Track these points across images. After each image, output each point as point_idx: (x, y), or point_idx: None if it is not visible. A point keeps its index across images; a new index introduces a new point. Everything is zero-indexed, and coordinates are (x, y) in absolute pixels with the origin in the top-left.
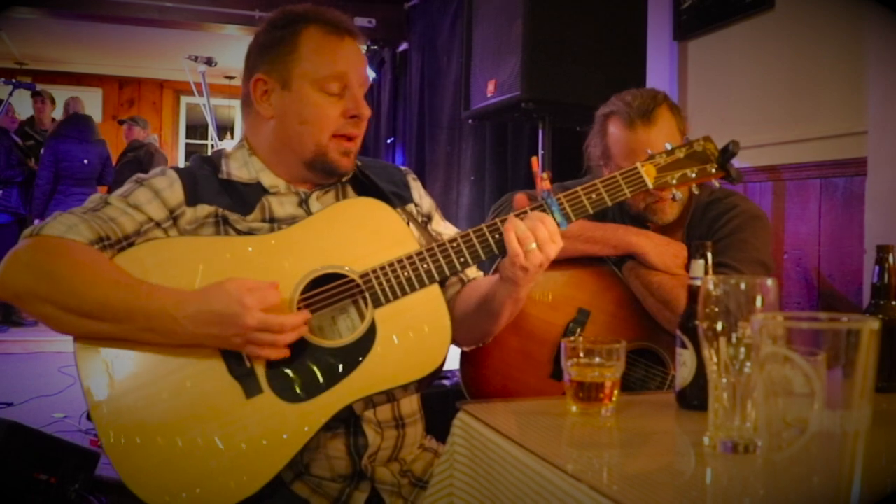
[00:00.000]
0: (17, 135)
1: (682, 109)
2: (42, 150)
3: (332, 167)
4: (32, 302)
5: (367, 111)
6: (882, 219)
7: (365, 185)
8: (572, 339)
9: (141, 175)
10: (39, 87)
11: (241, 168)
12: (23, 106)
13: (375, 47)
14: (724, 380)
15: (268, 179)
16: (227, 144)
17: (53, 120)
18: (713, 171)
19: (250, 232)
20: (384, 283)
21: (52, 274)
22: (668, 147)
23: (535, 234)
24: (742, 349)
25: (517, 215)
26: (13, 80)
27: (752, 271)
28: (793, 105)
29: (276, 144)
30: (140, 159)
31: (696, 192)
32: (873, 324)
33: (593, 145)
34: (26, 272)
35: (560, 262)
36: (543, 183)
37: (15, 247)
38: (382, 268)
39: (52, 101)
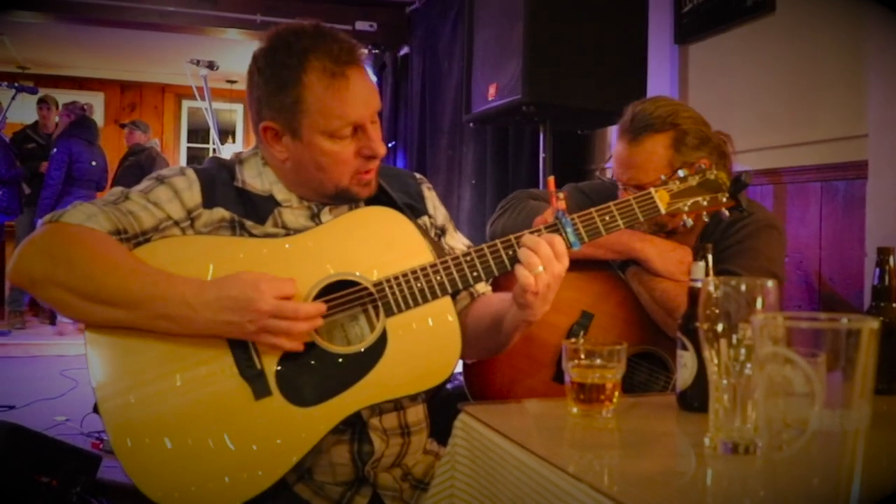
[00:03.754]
0: (19, 138)
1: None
2: (54, 151)
3: (354, 198)
4: (48, 287)
5: (381, 150)
6: (883, 222)
7: (378, 198)
8: (574, 340)
9: (161, 173)
10: (42, 91)
11: (255, 178)
12: (25, 109)
13: (377, 51)
14: (725, 381)
15: (280, 193)
16: (229, 148)
17: (56, 124)
18: (724, 200)
19: (266, 236)
20: (397, 292)
21: (70, 259)
22: (681, 174)
23: (540, 254)
24: (742, 350)
25: (531, 233)
26: (16, 84)
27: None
28: (793, 108)
29: (296, 180)
30: (141, 164)
31: (706, 220)
32: (873, 323)
33: None
34: (43, 257)
35: None
36: (559, 203)
37: (33, 233)
38: (396, 277)
39: (57, 107)
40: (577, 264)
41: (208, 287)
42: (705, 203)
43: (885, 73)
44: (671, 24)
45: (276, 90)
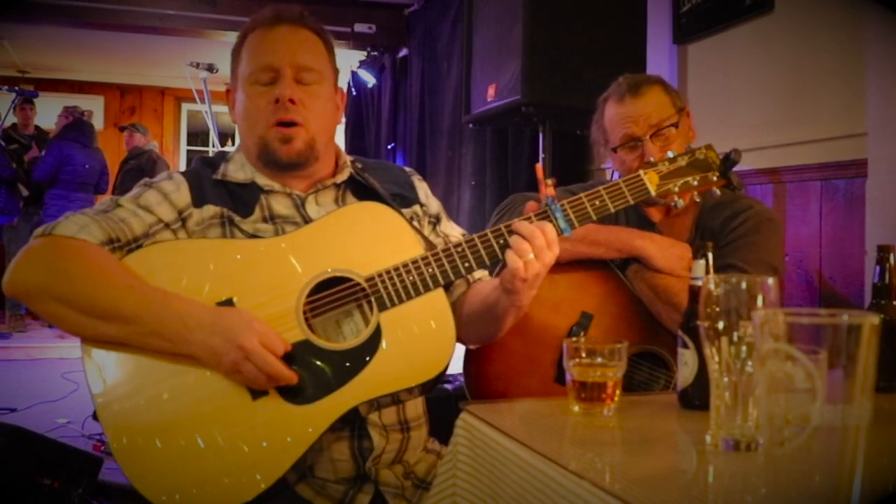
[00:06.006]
0: (2, 139)
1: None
2: (44, 152)
3: (273, 156)
4: (43, 300)
5: (287, 93)
6: (883, 220)
7: (365, 189)
8: (575, 339)
9: (148, 179)
10: (41, 95)
11: (238, 171)
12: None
13: (376, 53)
14: (726, 379)
15: (262, 179)
16: (230, 150)
17: (36, 126)
18: (715, 179)
19: (256, 234)
20: (389, 287)
21: (65, 273)
22: (671, 155)
23: (532, 242)
24: (743, 348)
25: (521, 220)
26: (16, 88)
27: (759, 273)
28: (793, 107)
29: (242, 146)
30: (142, 166)
31: (697, 199)
32: (873, 319)
33: (595, 131)
34: (39, 270)
35: (563, 265)
36: (548, 189)
37: (27, 245)
38: (388, 272)
39: (34, 107)
40: (575, 265)
41: (205, 310)
42: (695, 183)
43: (884, 72)
44: (670, 24)
45: (232, 55)
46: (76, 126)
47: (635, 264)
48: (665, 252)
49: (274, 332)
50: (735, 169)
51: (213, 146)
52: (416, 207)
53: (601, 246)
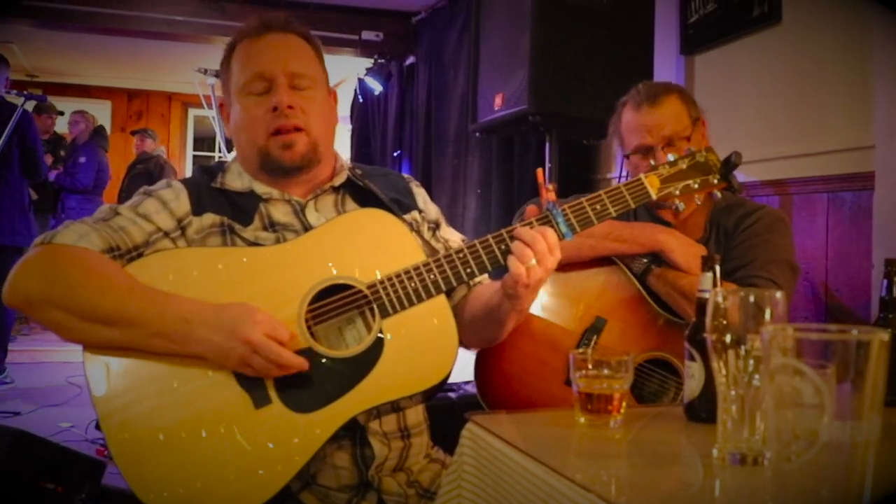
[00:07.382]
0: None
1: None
2: (82, 159)
3: (276, 163)
4: (44, 308)
5: (284, 100)
6: (890, 233)
7: (364, 194)
8: (581, 350)
9: (148, 188)
10: (49, 99)
11: (235, 179)
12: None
13: (382, 60)
14: (733, 392)
15: (260, 187)
16: (227, 160)
17: (54, 133)
18: (715, 181)
19: (256, 242)
20: (391, 293)
21: (66, 280)
22: (671, 158)
23: (534, 248)
24: (751, 361)
25: (523, 226)
26: (25, 93)
27: (781, 272)
28: (800, 119)
29: (240, 157)
30: (150, 171)
31: (699, 203)
32: (883, 335)
33: (611, 133)
34: (39, 278)
35: (578, 268)
36: (549, 194)
37: (26, 254)
38: (390, 278)
39: (56, 114)
40: (590, 270)
41: (207, 307)
42: (696, 186)
43: (891, 84)
44: (677, 35)
45: (222, 67)
46: (100, 132)
47: (657, 269)
48: (685, 249)
49: (277, 320)
50: (741, 180)
51: (220, 152)
52: (415, 213)
53: (626, 242)
